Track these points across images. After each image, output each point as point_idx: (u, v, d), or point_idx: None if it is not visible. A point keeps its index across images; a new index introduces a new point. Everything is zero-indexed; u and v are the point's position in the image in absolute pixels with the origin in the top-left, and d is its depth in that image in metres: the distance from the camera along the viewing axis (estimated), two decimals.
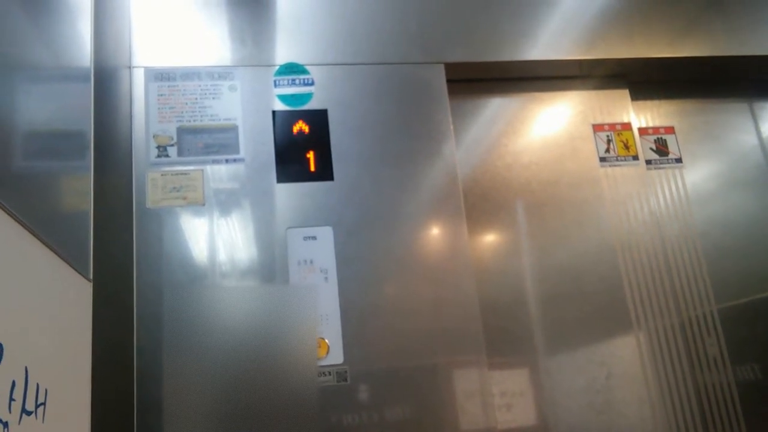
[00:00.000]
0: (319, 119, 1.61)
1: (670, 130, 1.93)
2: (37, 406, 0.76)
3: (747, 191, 1.91)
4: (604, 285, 1.71)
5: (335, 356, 1.44)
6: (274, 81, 1.62)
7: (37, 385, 0.76)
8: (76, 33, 1.12)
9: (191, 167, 1.53)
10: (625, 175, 1.80)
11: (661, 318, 1.70)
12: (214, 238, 1.49)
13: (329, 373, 1.43)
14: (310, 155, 1.58)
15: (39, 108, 0.90)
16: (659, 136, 1.92)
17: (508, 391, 1.61)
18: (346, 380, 1.43)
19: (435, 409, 1.45)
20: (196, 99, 1.57)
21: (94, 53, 1.19)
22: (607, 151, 1.81)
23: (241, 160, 1.55)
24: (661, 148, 1.90)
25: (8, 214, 0.71)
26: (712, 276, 1.81)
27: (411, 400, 1.45)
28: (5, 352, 0.66)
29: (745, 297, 1.80)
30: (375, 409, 1.43)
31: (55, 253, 0.88)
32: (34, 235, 0.79)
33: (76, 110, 1.09)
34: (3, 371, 0.65)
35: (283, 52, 1.65)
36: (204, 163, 1.53)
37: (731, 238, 1.86)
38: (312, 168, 1.57)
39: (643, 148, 1.87)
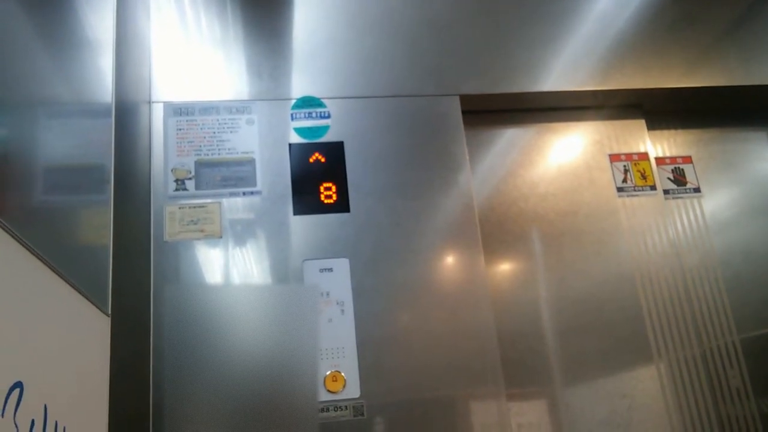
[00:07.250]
0: (335, 151, 1.62)
1: (687, 159, 1.92)
2: None
3: (767, 219, 1.88)
4: (623, 315, 1.68)
5: (352, 390, 1.43)
6: (291, 114, 1.64)
7: (56, 423, 0.75)
8: (99, 70, 1.14)
9: (209, 200, 1.54)
10: (643, 205, 1.79)
11: (682, 349, 1.67)
12: (231, 270, 1.49)
13: (345, 407, 1.41)
14: (327, 187, 1.58)
15: (61, 143, 0.91)
16: (677, 165, 1.91)
17: (527, 423, 1.59)
18: (362, 414, 1.41)
19: None
20: (214, 133, 1.59)
21: (115, 89, 1.21)
22: (625, 181, 1.80)
23: (258, 192, 1.56)
24: (679, 178, 1.89)
25: (27, 249, 0.71)
26: (734, 305, 1.78)
27: None
28: (25, 391, 0.66)
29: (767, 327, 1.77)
30: None
31: (74, 288, 0.88)
32: (54, 270, 0.80)
33: (97, 145, 1.11)
34: (23, 411, 0.65)
35: (300, 86, 1.67)
36: (221, 195, 1.54)
37: (752, 266, 1.83)
38: (328, 200, 1.58)
39: (661, 177, 1.86)
